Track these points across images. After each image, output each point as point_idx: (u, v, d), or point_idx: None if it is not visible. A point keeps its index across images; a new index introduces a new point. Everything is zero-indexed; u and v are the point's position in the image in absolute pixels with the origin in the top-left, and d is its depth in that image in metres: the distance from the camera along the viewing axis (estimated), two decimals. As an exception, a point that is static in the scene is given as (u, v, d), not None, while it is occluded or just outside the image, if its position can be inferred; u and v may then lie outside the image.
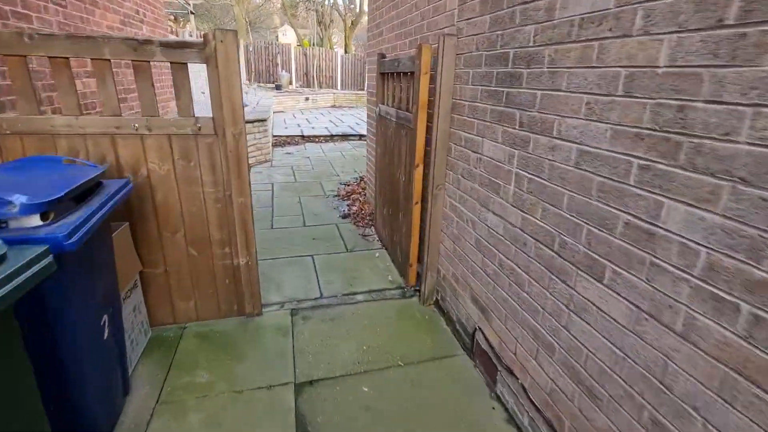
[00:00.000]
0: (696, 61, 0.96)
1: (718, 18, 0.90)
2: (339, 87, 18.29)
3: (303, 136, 8.74)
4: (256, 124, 6.24)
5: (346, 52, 22.17)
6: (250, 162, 6.21)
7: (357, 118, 12.23)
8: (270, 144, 6.93)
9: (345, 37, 25.12)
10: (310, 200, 4.84)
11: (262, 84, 16.67)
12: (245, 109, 6.13)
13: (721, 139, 0.91)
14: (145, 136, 2.11)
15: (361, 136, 9.16)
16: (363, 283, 2.99)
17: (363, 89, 18.37)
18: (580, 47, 1.33)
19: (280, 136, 8.60)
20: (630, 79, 1.14)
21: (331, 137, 8.94)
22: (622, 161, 1.18)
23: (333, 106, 16.18)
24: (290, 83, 17.11)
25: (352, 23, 25.67)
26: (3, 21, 2.42)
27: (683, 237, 1.01)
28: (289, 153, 7.38)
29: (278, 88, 15.57)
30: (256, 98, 11.08)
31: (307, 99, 14.90)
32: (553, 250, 1.52)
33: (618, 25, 1.17)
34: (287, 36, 44.05)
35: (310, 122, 11.05)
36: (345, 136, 9.04)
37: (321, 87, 17.93)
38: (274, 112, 13.04)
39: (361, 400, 1.94)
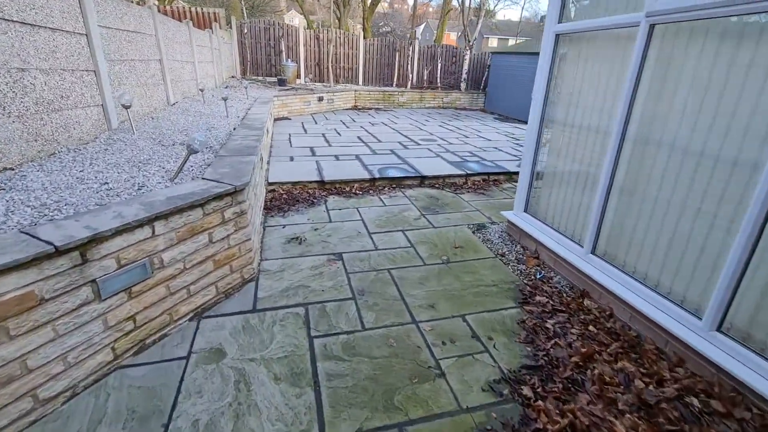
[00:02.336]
0: None
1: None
2: (361, 81, 14.27)
3: (322, 183, 4.81)
4: (213, 205, 2.34)
5: (364, 38, 18.05)
6: (193, 307, 2.35)
7: (397, 131, 8.24)
8: (253, 234, 3.03)
9: (363, 19, 20.97)
10: None
11: (260, 78, 12.71)
12: (195, 153, 2.25)
13: None
14: None
15: (423, 179, 5.21)
16: None
17: (392, 84, 14.35)
18: None
19: (281, 184, 4.68)
20: None
21: (372, 183, 5.00)
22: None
23: (354, 108, 12.22)
24: (297, 77, 13.13)
25: (372, 3, 21.46)
26: None
27: None
28: (297, 238, 3.48)
29: (281, 83, 11.62)
30: (244, 105, 7.16)
31: (320, 99, 10.95)
32: None
33: None
34: (294, 23, 39.85)
35: (328, 141, 7.12)
36: (396, 180, 5.10)
37: (338, 82, 13.92)
38: (275, 120, 9.13)
39: None
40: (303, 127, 8.49)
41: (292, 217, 3.93)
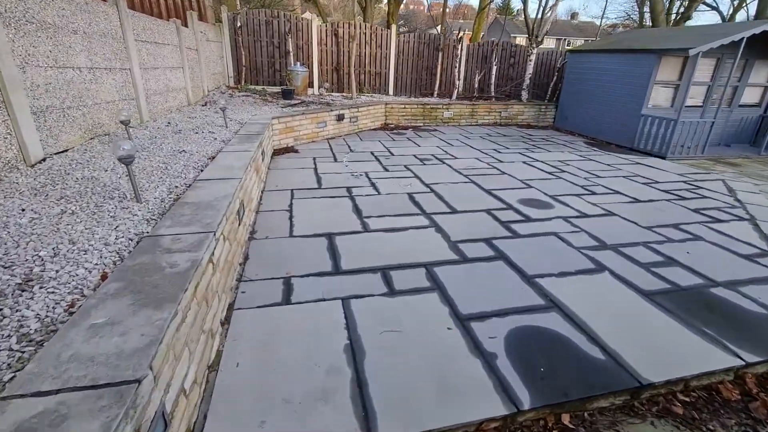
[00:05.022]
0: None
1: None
2: (391, 90, 11.05)
3: (369, 451, 1.59)
4: None
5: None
6: None
7: (469, 179, 4.92)
8: None
9: (388, 14, 17.76)
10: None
11: (258, 87, 9.60)
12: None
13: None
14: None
15: (636, 392, 1.90)
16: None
17: (432, 93, 11.10)
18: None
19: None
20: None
21: (508, 427, 1.75)
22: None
23: (385, 127, 9.01)
24: (309, 85, 10.00)
25: (397, -5, 18.23)
26: None
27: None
28: None
29: (287, 95, 8.50)
30: (210, 146, 4.03)
31: (340, 118, 7.77)
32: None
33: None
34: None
35: (361, 211, 3.92)
36: (573, 407, 1.84)
37: (362, 91, 10.73)
38: (274, 154, 5.98)
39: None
40: (315, 171, 5.30)
41: None
